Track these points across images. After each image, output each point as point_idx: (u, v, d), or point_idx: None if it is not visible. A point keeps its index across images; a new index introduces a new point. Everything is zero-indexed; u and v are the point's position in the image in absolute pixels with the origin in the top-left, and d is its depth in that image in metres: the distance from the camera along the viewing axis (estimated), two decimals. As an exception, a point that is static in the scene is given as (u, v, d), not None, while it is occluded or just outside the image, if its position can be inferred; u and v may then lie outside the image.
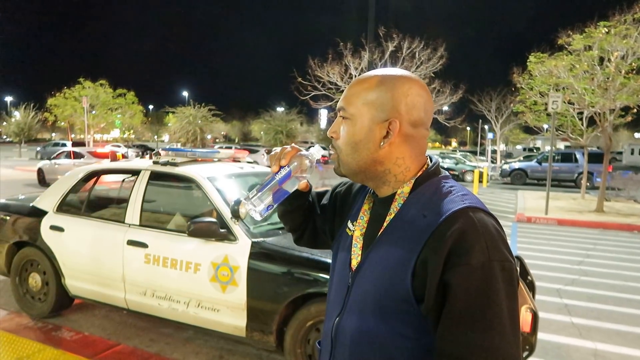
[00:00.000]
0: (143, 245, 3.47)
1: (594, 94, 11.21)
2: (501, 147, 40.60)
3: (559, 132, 14.10)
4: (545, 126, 15.52)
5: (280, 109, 40.44)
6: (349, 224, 1.10)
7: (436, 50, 16.72)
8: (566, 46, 11.78)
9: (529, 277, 3.33)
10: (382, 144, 0.97)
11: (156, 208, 4.01)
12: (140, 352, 3.49)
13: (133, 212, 3.65)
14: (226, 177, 3.76)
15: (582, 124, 13.27)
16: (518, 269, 3.25)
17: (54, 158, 15.55)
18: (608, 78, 10.96)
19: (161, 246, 3.42)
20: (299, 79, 17.13)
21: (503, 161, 30.47)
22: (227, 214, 3.25)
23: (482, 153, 39.86)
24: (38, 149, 34.22)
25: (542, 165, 20.43)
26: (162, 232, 3.53)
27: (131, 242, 3.52)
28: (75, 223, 3.90)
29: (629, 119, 12.14)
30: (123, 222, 3.66)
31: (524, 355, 2.81)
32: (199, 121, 29.03)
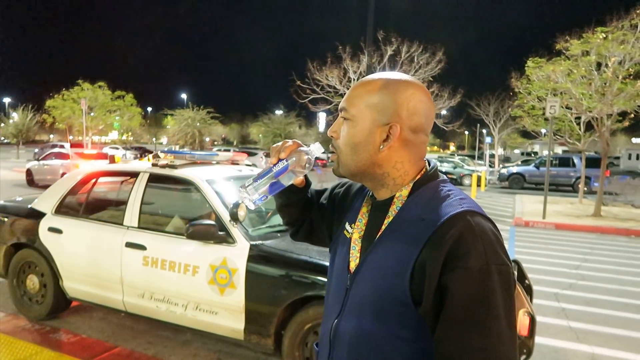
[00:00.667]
0: (141, 247, 3.47)
1: (591, 99, 11.26)
2: (499, 151, 40.69)
3: (557, 136, 14.15)
4: (543, 131, 15.58)
5: (278, 112, 40.49)
6: (347, 226, 1.11)
7: (435, 54, 16.79)
8: (564, 51, 11.84)
9: (526, 281, 3.34)
10: (381, 147, 0.98)
11: (155, 210, 4.01)
12: (138, 355, 3.48)
13: (131, 215, 3.65)
14: (225, 179, 3.76)
15: (580, 129, 13.32)
16: (515, 272, 3.26)
17: (42, 159, 15.56)
18: (605, 83, 11.02)
19: (160, 248, 3.42)
20: (298, 82, 17.18)
21: (501, 165, 30.53)
22: (225, 216, 3.26)
23: (480, 157, 39.92)
24: (36, 150, 34.17)
25: (539, 170, 20.49)
26: (160, 234, 3.53)
27: (129, 244, 3.52)
28: (74, 225, 3.90)
29: (626, 124, 12.19)
30: (121, 225, 3.66)
31: (521, 359, 2.81)
32: (198, 124, 29.07)
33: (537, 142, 43.81)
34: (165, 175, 3.74)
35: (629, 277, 6.27)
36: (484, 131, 35.36)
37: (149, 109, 69.72)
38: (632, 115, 11.61)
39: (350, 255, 1.04)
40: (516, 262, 3.49)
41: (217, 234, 3.17)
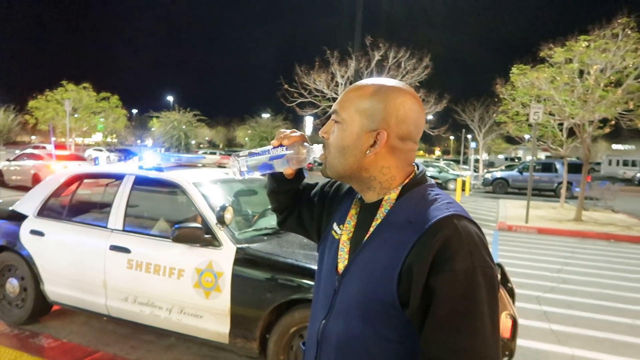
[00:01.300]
0: (126, 250, 3.44)
1: (574, 106, 11.48)
2: (484, 156, 41.15)
3: (540, 142, 14.38)
4: (527, 136, 15.80)
5: (265, 115, 40.41)
6: (335, 227, 1.12)
7: (421, 60, 16.96)
8: (548, 59, 12.06)
9: (509, 284, 3.39)
10: (368, 152, 0.99)
11: (140, 213, 3.97)
12: None
13: (116, 217, 3.61)
14: (211, 182, 3.75)
15: (562, 135, 13.56)
16: (499, 275, 3.31)
17: (15, 160, 15.35)
18: (587, 90, 11.24)
19: (144, 251, 3.39)
20: (286, 86, 17.18)
21: (485, 170, 30.89)
22: (212, 219, 3.25)
23: (465, 162, 40.35)
24: (17, 152, 33.53)
25: (523, 175, 20.78)
26: (145, 237, 3.50)
27: (114, 248, 3.49)
28: (56, 227, 3.84)
29: (607, 130, 12.44)
30: (106, 227, 3.62)
31: (504, 361, 2.85)
32: (184, 126, 28.86)
33: (521, 148, 44.44)
34: (151, 178, 3.71)
35: (609, 281, 6.39)
36: (469, 136, 35.78)
37: (134, 110, 68.99)
38: (613, 123, 11.85)
39: (339, 256, 1.05)
40: (499, 265, 3.54)
41: (203, 237, 3.16)
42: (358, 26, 10.69)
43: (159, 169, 3.74)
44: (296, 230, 1.35)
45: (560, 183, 17.66)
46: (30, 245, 3.87)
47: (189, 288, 3.17)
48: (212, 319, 3.13)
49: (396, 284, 0.90)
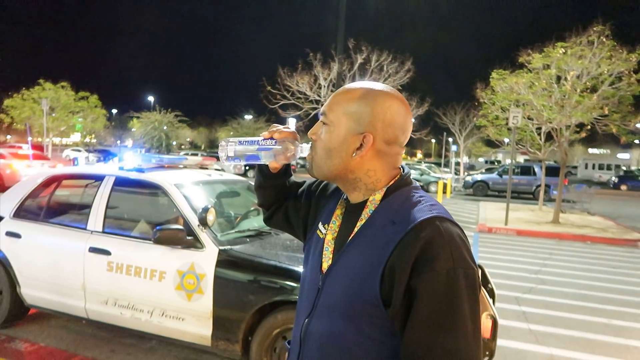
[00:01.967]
0: (106, 252, 3.38)
1: (551, 111, 11.74)
2: (464, 159, 41.72)
3: (519, 146, 14.64)
4: (506, 140, 16.09)
5: (248, 117, 40.24)
6: (320, 226, 1.13)
7: (403, 63, 17.13)
8: (526, 64, 12.31)
9: (489, 285, 3.45)
10: (354, 154, 1.01)
11: (120, 214, 3.91)
12: (100, 363, 3.39)
13: (96, 219, 3.56)
14: (194, 184, 3.72)
15: (541, 139, 13.84)
16: (480, 277, 3.37)
17: None
18: (564, 96, 11.51)
19: (125, 253, 3.34)
20: (269, 88, 17.16)
21: (466, 173, 31.32)
22: (194, 221, 3.22)
23: (446, 165, 40.83)
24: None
25: (502, 178, 21.12)
26: (126, 239, 3.45)
27: (93, 250, 3.43)
28: (34, 229, 3.76)
29: (584, 134, 12.74)
30: (85, 229, 3.56)
31: (484, 361, 2.90)
32: (165, 127, 28.53)
33: (501, 151, 45.24)
34: (132, 179, 3.67)
35: (585, 281, 6.55)
36: (450, 139, 36.20)
37: (114, 110, 67.91)
38: (589, 127, 12.14)
39: (323, 256, 1.06)
40: (480, 267, 3.60)
41: (185, 239, 3.13)
42: (341, 29, 10.75)
43: (140, 170, 3.70)
44: (282, 227, 1.36)
45: (539, 186, 18.01)
46: (6, 248, 3.78)
47: (171, 290, 3.14)
48: (194, 321, 3.10)
49: (379, 284, 0.91)
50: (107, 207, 3.59)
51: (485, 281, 3.46)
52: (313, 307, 1.04)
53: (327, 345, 0.99)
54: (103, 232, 3.50)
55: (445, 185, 18.84)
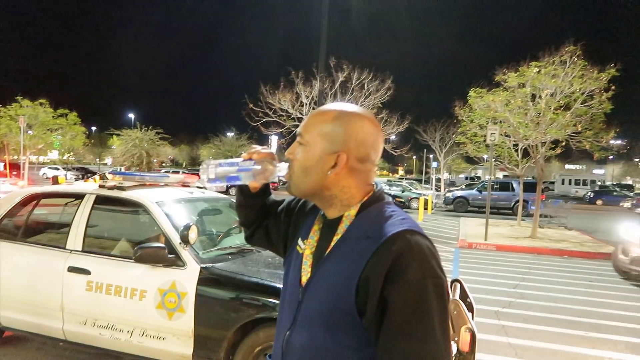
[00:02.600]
0: (85, 271, 3.34)
1: (527, 128, 12.06)
2: (445, 175, 42.27)
3: (497, 162, 14.97)
4: (485, 156, 16.42)
5: (230, 134, 40.17)
6: (300, 242, 1.18)
7: (384, 82, 17.43)
8: (502, 83, 12.68)
9: (468, 299, 3.50)
10: (329, 172, 1.06)
11: (101, 233, 3.88)
12: (78, 386, 3.32)
13: (75, 238, 3.52)
14: (175, 202, 3.72)
15: (518, 155, 14.17)
16: (458, 291, 3.42)
17: None
18: (539, 113, 11.85)
19: (105, 272, 3.31)
20: (251, 105, 17.23)
21: (446, 189, 31.71)
22: (175, 239, 3.22)
23: (427, 181, 41.31)
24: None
25: (482, 194, 21.45)
26: (106, 258, 3.42)
27: (72, 269, 3.39)
28: (10, 249, 3.69)
29: (559, 151, 13.10)
30: (64, 248, 3.52)
31: (464, 375, 2.93)
32: (146, 144, 28.26)
33: (480, 167, 45.99)
34: (113, 197, 3.65)
35: (563, 295, 6.68)
36: (431, 156, 36.74)
37: (94, 128, 67.06)
38: (564, 144, 12.49)
39: (302, 270, 1.11)
40: (459, 281, 3.65)
41: (167, 257, 3.12)
42: (323, 48, 10.91)
43: (121, 188, 3.68)
44: (264, 245, 1.39)
45: (517, 202, 18.35)
46: (-19, 268, 3.69)
47: (152, 309, 3.12)
48: (175, 340, 3.08)
49: (354, 294, 0.96)
50: (87, 225, 3.56)
51: (464, 295, 3.52)
52: (294, 320, 1.08)
53: (307, 356, 1.03)
54: (83, 251, 3.47)
55: (426, 202, 19.03)
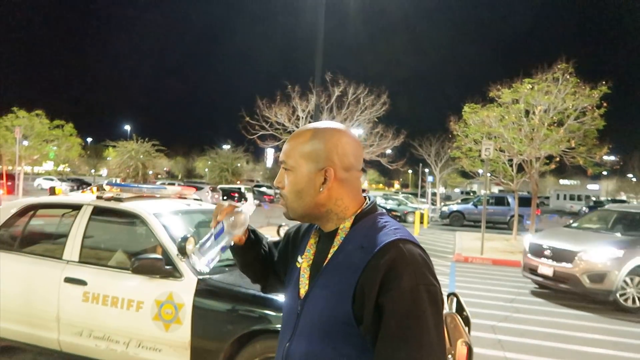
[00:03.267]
0: (82, 282, 3.34)
1: (521, 143, 12.20)
2: (440, 190, 42.42)
3: (492, 177, 15.06)
4: (480, 171, 16.54)
5: (226, 147, 40.22)
6: (298, 258, 1.22)
7: (380, 96, 17.57)
8: (496, 99, 12.85)
9: (464, 313, 3.52)
10: (321, 189, 1.11)
11: (97, 244, 3.88)
12: (72, 398, 3.29)
13: (72, 248, 3.52)
14: (172, 213, 3.74)
15: (513, 170, 14.28)
16: (454, 305, 3.44)
17: None
18: (533, 129, 12.01)
19: (102, 283, 3.31)
20: (247, 118, 17.31)
21: (442, 203, 31.81)
22: (173, 250, 3.23)
23: (423, 195, 41.42)
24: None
25: (477, 208, 21.52)
26: (103, 268, 3.42)
27: (69, 280, 3.38)
28: (7, 259, 3.68)
29: (553, 166, 13.24)
30: (60, 259, 3.51)
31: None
32: (141, 156, 28.25)
33: (475, 182, 46.22)
34: (110, 208, 3.66)
35: (557, 309, 6.69)
36: (427, 170, 36.88)
37: (89, 139, 67.01)
38: (558, 159, 12.64)
39: (300, 282, 1.15)
40: (455, 295, 3.68)
41: (164, 269, 3.13)
42: (319, 62, 11.04)
43: (119, 199, 3.70)
44: (280, 286, 1.39)
45: (513, 216, 18.41)
46: (-24, 279, 3.68)
47: (148, 320, 3.11)
48: (172, 352, 3.07)
49: (351, 303, 1.00)
50: (84, 236, 3.56)
51: (461, 309, 3.53)
52: (293, 331, 1.11)
53: None
54: (79, 261, 3.47)
55: (422, 216, 19.07)
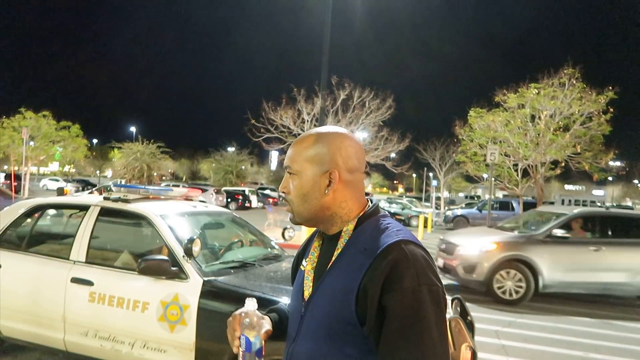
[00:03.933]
0: (88, 282, 3.37)
1: (527, 148, 12.18)
2: (445, 194, 42.32)
3: (497, 181, 15.03)
4: (485, 175, 16.51)
5: (231, 149, 40.33)
6: (303, 262, 1.24)
7: (385, 100, 17.59)
8: (502, 103, 12.84)
9: (468, 317, 3.51)
10: (326, 192, 1.13)
11: (104, 245, 3.91)
12: (77, 398, 3.31)
13: (79, 249, 3.55)
14: (179, 215, 3.76)
15: (517, 175, 14.25)
16: (459, 309, 3.44)
17: None
18: (539, 134, 12.00)
19: (108, 284, 3.33)
20: (253, 121, 17.38)
21: (446, 207, 31.72)
22: (179, 252, 3.25)
23: (427, 199, 41.33)
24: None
25: (482, 212, 21.45)
26: (109, 269, 3.45)
27: (75, 280, 3.41)
28: (15, 259, 3.72)
29: (558, 171, 13.20)
30: (67, 259, 3.54)
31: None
32: (147, 157, 28.39)
33: (480, 186, 46.10)
34: (118, 210, 3.69)
35: (562, 315, 6.66)
36: (431, 174, 36.83)
37: (95, 140, 67.36)
38: (563, 164, 12.60)
39: (304, 285, 1.17)
40: (459, 299, 3.68)
41: (170, 270, 3.15)
42: (324, 66, 11.07)
43: (126, 201, 3.73)
44: None
45: (517, 221, 18.33)
46: (-16, 278, 3.71)
47: (154, 321, 3.13)
48: (177, 353, 3.08)
49: (354, 304, 1.02)
50: (91, 237, 3.59)
51: (465, 313, 3.53)
52: (297, 333, 1.13)
53: None
54: (86, 262, 3.49)
55: (426, 220, 19.03)
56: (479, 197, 49.05)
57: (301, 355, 1.10)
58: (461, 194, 53.60)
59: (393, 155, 20.16)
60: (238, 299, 3.04)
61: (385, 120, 18.01)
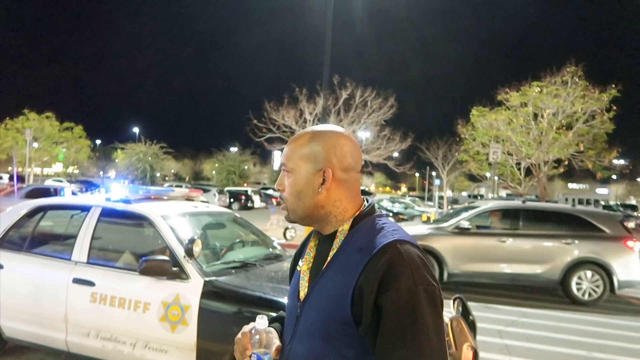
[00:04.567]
0: (90, 283, 3.37)
1: (529, 147, 12.14)
2: (448, 193, 42.25)
3: (500, 180, 15.00)
4: (488, 174, 16.48)
5: (233, 149, 40.39)
6: (300, 262, 1.23)
7: (387, 99, 17.57)
8: (504, 102, 12.81)
9: (470, 317, 3.50)
10: (320, 190, 1.12)
11: (105, 245, 3.92)
12: (79, 398, 3.31)
13: (81, 249, 3.55)
14: (180, 215, 3.76)
15: (520, 174, 14.22)
16: (460, 309, 3.42)
17: None
18: (542, 133, 11.96)
19: (109, 285, 3.34)
20: (255, 121, 17.40)
21: (449, 207, 31.66)
22: (180, 252, 3.25)
23: (430, 198, 41.26)
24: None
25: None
26: (110, 270, 3.45)
27: (77, 281, 3.41)
28: (16, 260, 3.73)
29: (561, 170, 13.16)
30: (69, 260, 3.55)
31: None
32: (149, 158, 28.47)
33: (483, 185, 46.00)
34: (119, 210, 3.69)
35: (566, 314, 6.63)
36: (434, 173, 36.76)
37: (98, 141, 67.57)
38: (566, 163, 12.56)
39: (300, 285, 1.16)
40: (460, 299, 3.66)
41: (171, 270, 3.15)
42: (326, 65, 11.07)
43: (127, 201, 3.73)
44: None
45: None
46: (-14, 279, 3.72)
47: (155, 322, 3.13)
48: (178, 353, 3.09)
49: (350, 305, 1.01)
50: (92, 237, 3.60)
51: (467, 313, 3.52)
52: (293, 333, 1.13)
53: None
54: (88, 262, 3.50)
55: (429, 219, 19.00)
56: (482, 196, 48.94)
57: (297, 356, 1.10)
58: (464, 193, 53.50)
59: (395, 154, 20.14)
60: (239, 299, 3.04)
61: (388, 120, 18.00)
